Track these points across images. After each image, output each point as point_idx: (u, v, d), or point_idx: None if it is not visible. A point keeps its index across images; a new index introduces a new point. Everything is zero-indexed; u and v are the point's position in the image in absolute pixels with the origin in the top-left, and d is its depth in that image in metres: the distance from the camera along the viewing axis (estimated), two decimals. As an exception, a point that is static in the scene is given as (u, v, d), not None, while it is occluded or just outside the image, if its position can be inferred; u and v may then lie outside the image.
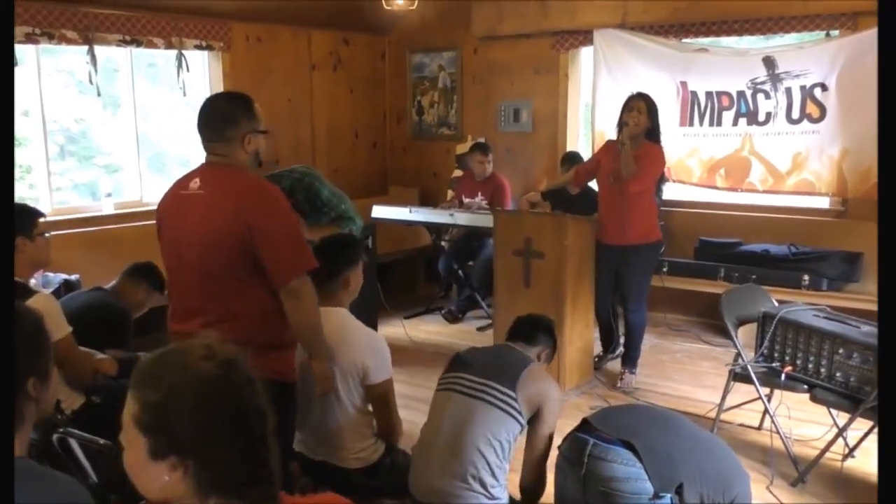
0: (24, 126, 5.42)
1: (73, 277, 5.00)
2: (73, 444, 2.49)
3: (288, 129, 6.89)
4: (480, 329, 6.14)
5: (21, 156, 5.49)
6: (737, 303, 3.91)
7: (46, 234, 3.24)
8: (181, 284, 2.68)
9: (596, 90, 6.46)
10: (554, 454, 2.81)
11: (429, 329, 6.26)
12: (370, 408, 2.99)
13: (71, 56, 5.62)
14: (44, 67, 5.45)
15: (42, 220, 3.21)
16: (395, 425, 2.93)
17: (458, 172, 7.24)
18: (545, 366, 3.04)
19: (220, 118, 2.66)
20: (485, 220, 5.76)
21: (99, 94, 5.59)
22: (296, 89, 6.93)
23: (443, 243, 6.79)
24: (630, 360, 4.93)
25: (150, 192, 5.93)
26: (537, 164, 6.88)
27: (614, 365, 5.15)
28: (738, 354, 3.83)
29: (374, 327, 5.73)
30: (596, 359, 5.15)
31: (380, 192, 7.66)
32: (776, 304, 3.97)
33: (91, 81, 5.48)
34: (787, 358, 3.64)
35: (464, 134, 7.29)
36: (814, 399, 3.54)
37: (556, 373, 4.65)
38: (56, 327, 3.01)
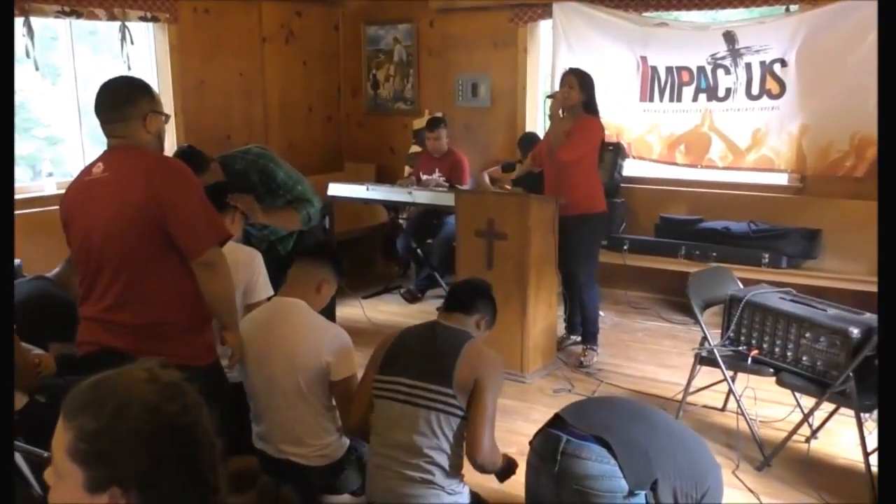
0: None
1: (15, 262, 4.76)
2: (17, 456, 2.33)
3: (240, 105, 6.67)
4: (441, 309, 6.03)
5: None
6: (703, 285, 3.87)
7: None
8: (90, 269, 2.64)
9: (555, 65, 6.35)
10: (524, 449, 2.73)
11: (388, 309, 6.14)
12: (334, 403, 2.88)
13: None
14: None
15: None
16: (358, 421, 2.82)
17: (415, 148, 7.11)
18: (485, 334, 2.93)
19: (118, 97, 2.63)
20: (444, 199, 5.65)
21: (37, 69, 5.31)
22: (247, 63, 6.69)
23: (401, 221, 6.66)
24: (590, 336, 4.90)
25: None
26: (496, 139, 6.77)
27: (577, 346, 5.09)
28: (704, 338, 3.79)
29: (333, 308, 5.61)
30: (558, 339, 5.09)
31: (335, 169, 7.48)
32: (741, 286, 3.94)
33: (28, 55, 5.21)
34: (753, 341, 3.61)
35: (421, 108, 7.14)
36: (780, 383, 3.51)
37: (518, 355, 4.59)
38: None
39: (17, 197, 5.28)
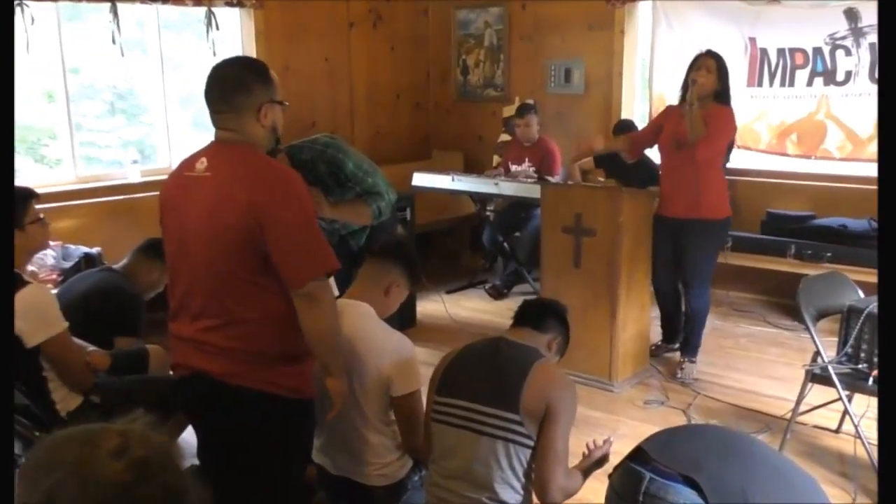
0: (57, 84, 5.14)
1: (94, 251, 4.73)
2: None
3: (325, 91, 6.51)
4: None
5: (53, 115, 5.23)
6: (817, 292, 3.44)
7: (41, 217, 2.93)
8: (184, 281, 2.31)
9: (654, 48, 5.95)
10: (602, 484, 2.43)
11: (471, 306, 5.88)
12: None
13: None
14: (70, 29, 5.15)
15: (35, 201, 2.90)
16: (421, 441, 2.57)
17: (504, 137, 6.82)
18: (556, 359, 2.62)
19: (231, 85, 2.27)
20: (532, 191, 5.33)
21: (123, 55, 5.27)
22: (333, 48, 6.52)
23: (488, 213, 6.39)
24: (691, 348, 4.50)
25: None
26: (589, 128, 6.39)
27: (674, 354, 4.71)
28: (818, 352, 3.37)
29: (413, 304, 5.41)
30: (653, 347, 4.72)
31: (422, 157, 7.25)
32: (862, 295, 3.49)
33: (114, 41, 5.17)
34: (875, 359, 3.18)
35: (511, 95, 6.83)
36: (907, 408, 3.07)
37: (607, 363, 4.25)
38: (48, 323, 2.72)
39: (101, 184, 5.29)
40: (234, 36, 5.98)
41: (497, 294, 6.08)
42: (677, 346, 4.71)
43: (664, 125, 4.36)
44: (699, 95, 4.10)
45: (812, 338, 3.40)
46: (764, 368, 4.56)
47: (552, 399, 2.28)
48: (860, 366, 3.22)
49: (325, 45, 6.45)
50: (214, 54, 5.66)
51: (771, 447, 2.32)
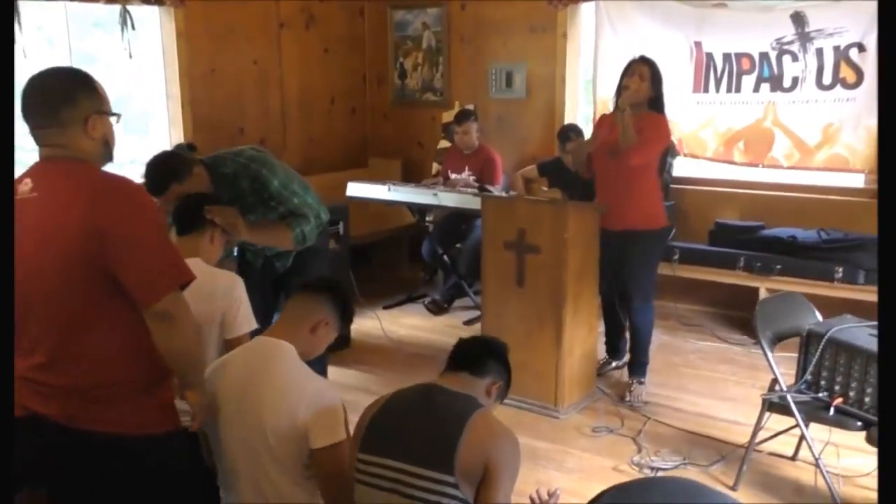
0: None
1: None
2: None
3: (254, 96, 6.14)
4: (467, 322, 5.47)
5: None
6: (774, 316, 3.23)
7: None
8: (21, 317, 2.04)
9: (598, 52, 5.74)
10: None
11: (409, 322, 5.58)
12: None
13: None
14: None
15: None
16: (345, 501, 2.26)
17: (444, 143, 6.55)
18: (495, 405, 2.35)
19: (53, 97, 2.04)
20: (472, 201, 5.06)
21: (25, 56, 4.83)
22: (263, 51, 6.15)
23: (426, 224, 6.10)
24: (639, 367, 4.28)
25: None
26: (532, 135, 6.15)
27: (621, 373, 4.49)
28: (775, 380, 3.16)
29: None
30: (598, 364, 4.49)
31: (359, 165, 6.92)
32: (820, 318, 3.30)
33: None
34: (837, 387, 2.98)
35: (451, 100, 6.55)
36: (870, 440, 2.88)
37: (552, 388, 4.00)
38: None
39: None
40: (153, 36, 5.58)
41: (437, 309, 5.79)
42: (623, 362, 4.50)
43: (599, 135, 4.16)
44: (631, 102, 3.91)
45: (769, 365, 3.19)
46: (716, 389, 4.36)
47: (492, 456, 2.00)
48: (821, 394, 3.02)
49: (254, 47, 6.09)
50: (130, 56, 5.26)
51: (733, 498, 2.07)
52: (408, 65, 6.75)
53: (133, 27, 5.22)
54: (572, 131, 5.34)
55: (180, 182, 2.96)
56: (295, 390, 2.25)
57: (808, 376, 3.06)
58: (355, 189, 5.72)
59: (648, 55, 4.13)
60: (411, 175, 6.63)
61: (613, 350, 4.58)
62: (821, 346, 2.99)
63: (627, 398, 4.19)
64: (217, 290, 2.70)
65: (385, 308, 5.82)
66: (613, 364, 4.59)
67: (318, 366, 3.64)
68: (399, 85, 6.84)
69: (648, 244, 4.15)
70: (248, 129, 6.11)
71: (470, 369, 2.26)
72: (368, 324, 5.33)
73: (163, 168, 3.00)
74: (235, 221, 2.89)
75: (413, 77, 6.75)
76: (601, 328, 4.44)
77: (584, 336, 4.11)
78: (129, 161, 5.55)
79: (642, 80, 3.98)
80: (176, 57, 5.58)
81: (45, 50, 5.16)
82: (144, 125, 5.83)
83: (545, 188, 5.66)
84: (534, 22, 6.00)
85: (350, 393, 4.29)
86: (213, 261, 2.89)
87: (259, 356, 2.37)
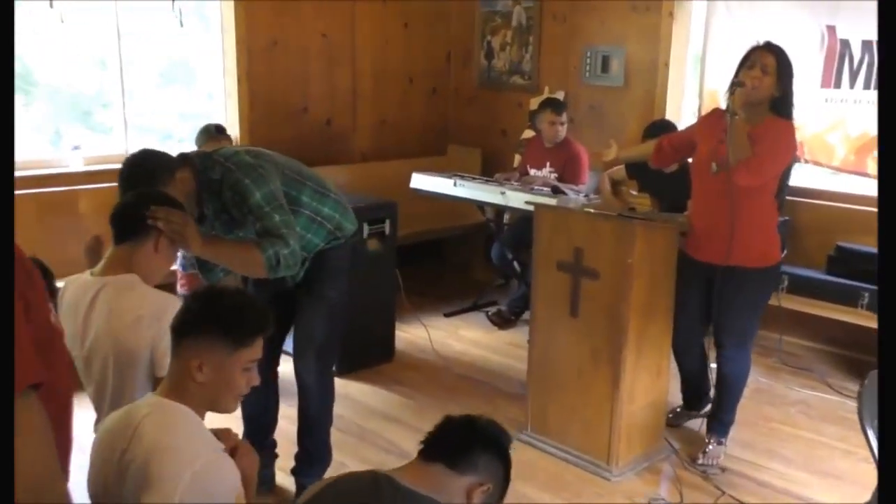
0: None
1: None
2: None
3: (321, 72, 5.61)
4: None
5: None
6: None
7: None
8: None
9: (708, 35, 4.89)
10: None
11: (468, 335, 4.95)
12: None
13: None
14: None
15: None
16: None
17: (528, 133, 5.84)
18: None
19: None
20: (546, 203, 4.38)
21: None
22: (333, 23, 5.61)
23: (504, 224, 5.45)
24: (720, 425, 3.48)
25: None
26: (628, 128, 5.35)
27: (699, 424, 3.70)
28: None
29: (391, 331, 4.52)
30: (671, 415, 3.73)
31: (437, 152, 6.31)
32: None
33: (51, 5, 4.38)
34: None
35: (540, 85, 5.83)
36: None
37: (605, 441, 3.29)
38: None
39: (31, 173, 4.49)
40: (210, 8, 5.13)
41: (501, 321, 5.13)
42: (705, 412, 3.72)
43: (701, 137, 3.34)
44: (747, 102, 3.07)
45: (873, 455, 2.37)
46: (816, 458, 3.52)
47: None
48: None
49: (323, 20, 5.55)
50: (181, 25, 4.83)
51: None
52: (495, 43, 6.06)
53: (184, -7, 4.78)
54: (662, 128, 4.47)
55: (159, 186, 2.44)
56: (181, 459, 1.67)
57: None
58: (420, 181, 5.12)
59: (773, 41, 3.26)
60: (491, 166, 5.96)
61: (693, 400, 3.79)
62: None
63: (701, 460, 3.41)
64: (144, 317, 2.16)
65: (446, 315, 5.23)
66: (691, 415, 3.80)
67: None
68: (485, 66, 6.16)
69: (755, 286, 3.30)
70: (312, 108, 5.61)
71: (448, 459, 1.64)
72: (416, 334, 4.73)
73: (137, 171, 2.48)
74: (184, 230, 2.32)
75: (500, 57, 6.06)
76: (675, 370, 3.68)
77: (648, 382, 3.36)
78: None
79: (765, 75, 3.09)
80: (234, 27, 5.12)
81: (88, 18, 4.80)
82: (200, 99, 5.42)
83: (634, 192, 4.88)
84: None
85: (373, 420, 3.76)
86: (157, 275, 2.34)
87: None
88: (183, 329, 1.81)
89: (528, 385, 3.60)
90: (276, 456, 3.24)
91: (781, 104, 3.17)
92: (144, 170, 2.52)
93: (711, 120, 3.38)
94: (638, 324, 3.23)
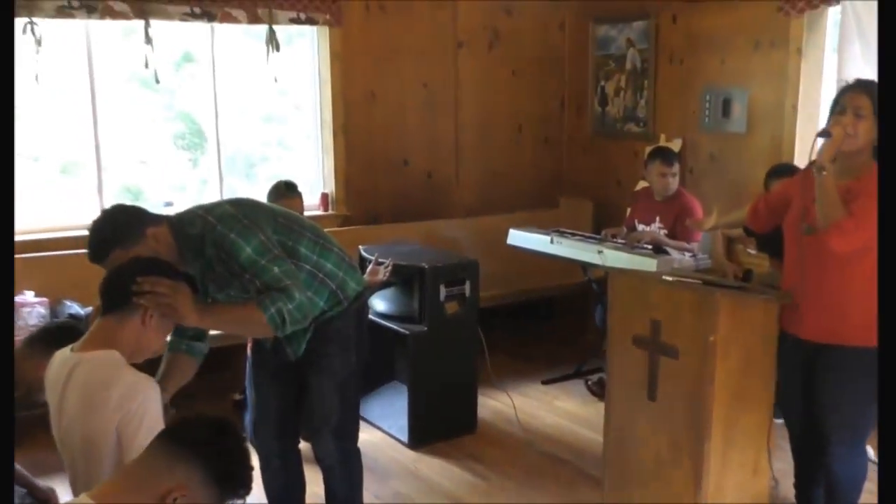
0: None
1: (85, 311, 3.98)
2: None
3: (422, 122, 5.45)
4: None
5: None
6: None
7: None
8: None
9: (842, 71, 4.28)
10: None
11: (563, 406, 4.51)
12: None
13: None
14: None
15: None
16: None
17: (643, 183, 5.37)
18: None
19: None
20: (646, 264, 3.96)
21: (158, 81, 4.52)
22: (434, 72, 5.44)
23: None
24: (832, 537, 2.89)
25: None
26: (751, 179, 4.75)
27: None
28: None
29: (474, 401, 4.16)
30: (777, 519, 3.16)
31: (549, 204, 5.95)
32: None
33: (146, 66, 4.43)
34: None
35: (656, 132, 5.38)
36: None
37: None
38: None
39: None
40: (306, 59, 5.09)
41: (601, 391, 4.63)
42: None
43: (794, 193, 2.83)
44: (838, 153, 2.55)
45: None
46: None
47: None
48: None
49: (424, 68, 5.39)
50: (276, 80, 4.78)
51: None
52: (609, 89, 5.67)
53: (277, 49, 4.73)
54: (784, 173, 3.90)
55: (124, 247, 2.24)
56: None
57: None
58: (517, 238, 4.81)
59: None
60: (604, 220, 5.55)
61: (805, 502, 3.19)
62: None
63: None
64: (112, 398, 1.96)
65: (544, 383, 4.83)
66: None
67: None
68: (599, 112, 5.78)
69: (859, 366, 2.68)
70: (413, 160, 5.43)
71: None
72: (507, 403, 4.35)
73: (102, 227, 2.30)
74: (175, 302, 2.11)
75: (614, 104, 5.66)
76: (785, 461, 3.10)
77: (741, 480, 2.84)
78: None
79: (859, 120, 2.57)
80: (329, 79, 5.05)
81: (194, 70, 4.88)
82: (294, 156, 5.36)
83: (752, 251, 4.35)
84: (760, 35, 4.67)
85: (435, 500, 3.41)
86: (146, 351, 2.15)
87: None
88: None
89: (603, 476, 3.16)
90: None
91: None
92: (111, 226, 2.32)
93: (807, 175, 2.85)
94: (726, 412, 2.73)
